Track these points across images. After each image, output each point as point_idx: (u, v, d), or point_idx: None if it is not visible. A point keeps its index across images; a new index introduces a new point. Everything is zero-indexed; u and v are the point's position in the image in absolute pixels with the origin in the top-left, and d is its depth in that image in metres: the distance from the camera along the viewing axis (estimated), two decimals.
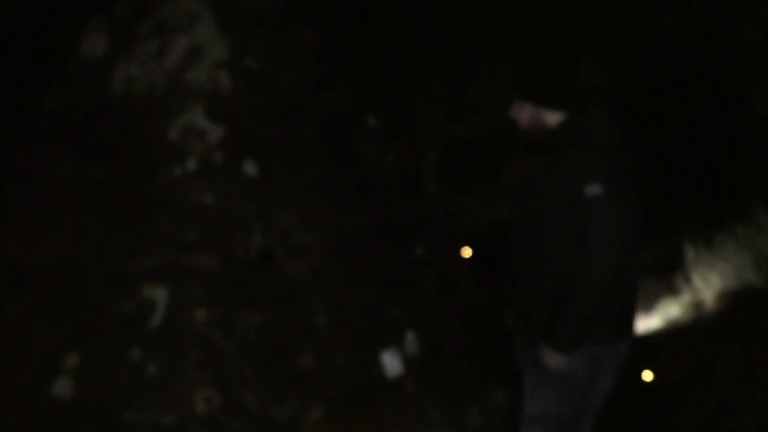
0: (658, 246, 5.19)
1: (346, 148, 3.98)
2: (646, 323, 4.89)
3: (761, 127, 5.06)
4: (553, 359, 2.77)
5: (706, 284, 5.17)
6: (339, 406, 3.80)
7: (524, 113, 2.79)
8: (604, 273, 2.60)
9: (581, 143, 2.70)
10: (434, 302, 4.30)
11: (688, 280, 5.16)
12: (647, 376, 4.86)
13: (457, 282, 4.38)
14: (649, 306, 4.93)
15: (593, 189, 2.60)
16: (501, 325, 2.97)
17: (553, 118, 2.75)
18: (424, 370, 4.04)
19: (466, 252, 4.32)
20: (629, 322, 2.87)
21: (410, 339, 4.08)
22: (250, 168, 4.06)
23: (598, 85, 2.76)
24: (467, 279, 4.43)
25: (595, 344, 2.78)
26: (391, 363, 3.96)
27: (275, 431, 3.80)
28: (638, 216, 2.76)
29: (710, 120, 5.06)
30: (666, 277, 5.17)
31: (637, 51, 4.99)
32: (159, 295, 3.83)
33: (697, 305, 5.12)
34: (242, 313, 3.91)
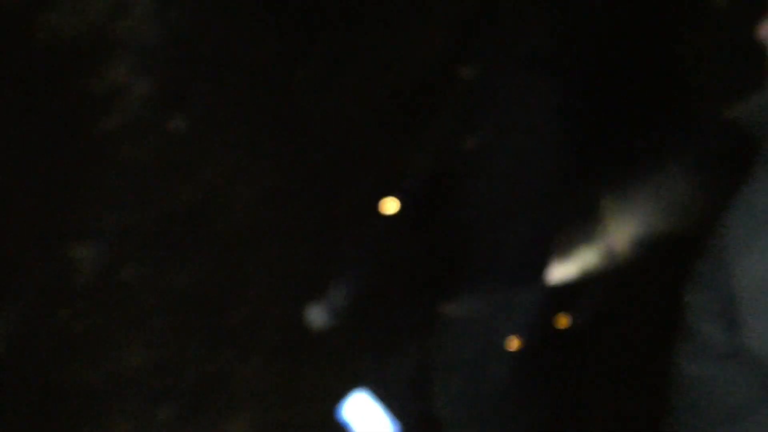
0: (576, 196, 5.33)
1: (280, 102, 3.96)
2: (563, 271, 5.06)
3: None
4: (445, 304, 2.92)
5: (620, 232, 5.36)
6: (274, 357, 3.86)
7: None
8: (469, 218, 2.71)
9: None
10: (365, 254, 4.34)
11: (603, 228, 5.34)
12: (562, 321, 5.03)
13: (390, 235, 4.43)
14: (565, 254, 5.09)
15: (469, 143, 2.70)
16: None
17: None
18: (354, 322, 4.09)
19: (391, 205, 4.35)
20: (530, 272, 2.96)
21: (340, 291, 4.12)
22: (178, 123, 4.00)
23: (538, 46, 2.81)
24: (398, 233, 4.49)
25: (487, 291, 2.89)
26: (319, 315, 3.99)
27: (207, 385, 3.83)
28: (542, 164, 2.84)
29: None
30: (582, 226, 5.33)
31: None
32: (85, 253, 3.78)
33: (611, 252, 5.32)
34: (172, 269, 3.88)
